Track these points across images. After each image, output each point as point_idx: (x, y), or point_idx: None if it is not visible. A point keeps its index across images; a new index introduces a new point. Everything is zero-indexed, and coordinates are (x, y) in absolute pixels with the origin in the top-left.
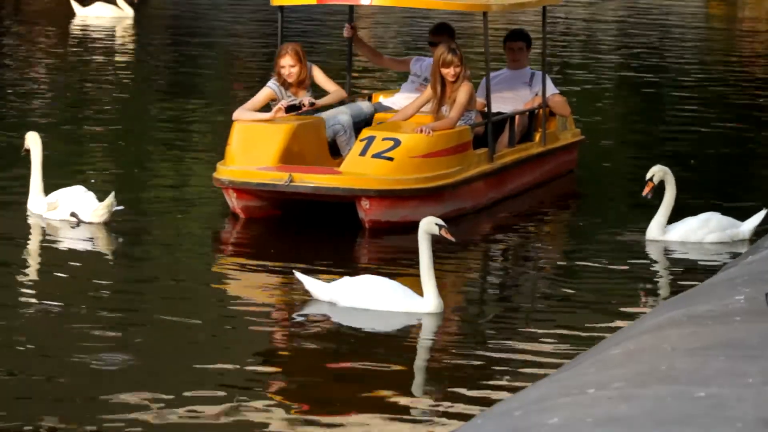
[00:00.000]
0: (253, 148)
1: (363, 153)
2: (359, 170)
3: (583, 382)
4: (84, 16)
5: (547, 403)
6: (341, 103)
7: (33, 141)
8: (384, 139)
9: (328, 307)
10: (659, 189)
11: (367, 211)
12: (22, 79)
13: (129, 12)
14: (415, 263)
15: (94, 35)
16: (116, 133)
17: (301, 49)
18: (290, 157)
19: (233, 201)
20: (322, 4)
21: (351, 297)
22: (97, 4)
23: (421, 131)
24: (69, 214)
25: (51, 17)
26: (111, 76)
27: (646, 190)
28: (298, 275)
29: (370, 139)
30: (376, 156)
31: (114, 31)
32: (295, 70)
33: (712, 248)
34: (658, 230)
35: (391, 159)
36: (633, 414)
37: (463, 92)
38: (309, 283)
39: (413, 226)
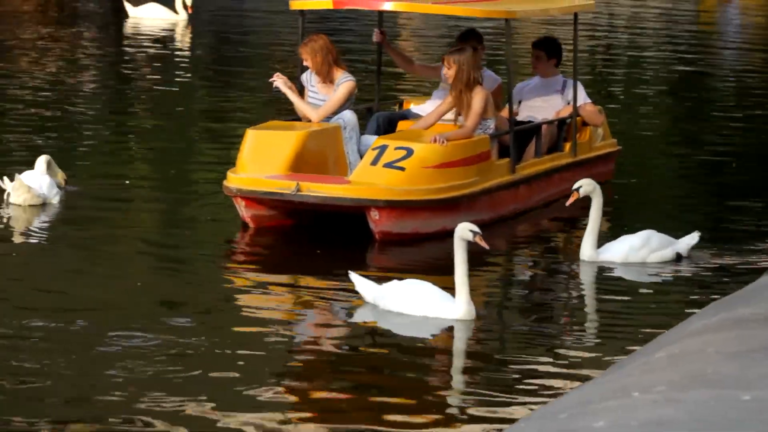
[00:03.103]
0: (264, 156)
1: (374, 162)
2: (369, 180)
3: (627, 385)
4: (136, 17)
5: (592, 406)
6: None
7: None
8: (396, 148)
9: (345, 314)
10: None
11: (376, 223)
12: (73, 79)
13: (183, 15)
14: (427, 273)
15: (146, 36)
16: (159, 135)
17: (323, 45)
18: (303, 165)
19: (242, 210)
20: (339, 8)
21: (388, 300)
22: (149, 4)
23: (435, 141)
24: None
25: (103, 18)
26: (160, 79)
27: (570, 200)
28: (352, 275)
29: (383, 148)
30: (388, 166)
31: (165, 32)
32: (307, 63)
33: (655, 267)
34: (590, 250)
35: (402, 169)
36: (677, 418)
37: (477, 100)
38: (359, 282)
39: (425, 238)
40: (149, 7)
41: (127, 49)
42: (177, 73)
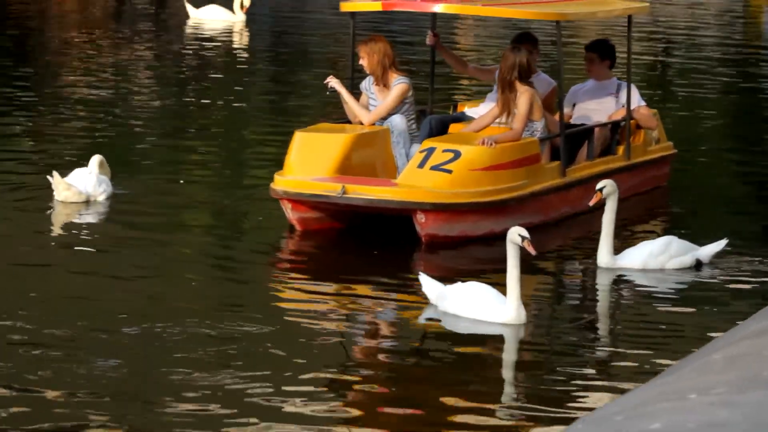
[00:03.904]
0: (311, 159)
1: (421, 165)
2: (416, 182)
3: (684, 387)
4: (197, 18)
5: (648, 408)
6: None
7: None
8: (444, 150)
9: (393, 316)
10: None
11: (423, 225)
12: (131, 79)
13: (240, 16)
14: (474, 277)
15: (207, 37)
16: (217, 136)
17: (381, 47)
18: (351, 168)
19: (289, 212)
20: (388, 10)
21: (446, 302)
22: (210, 6)
23: (483, 143)
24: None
25: (165, 19)
26: (217, 79)
27: (593, 201)
28: (421, 276)
29: (430, 151)
30: (435, 168)
31: (223, 33)
32: (363, 62)
33: (675, 274)
34: (608, 257)
35: (449, 171)
36: (734, 420)
37: (521, 102)
38: (426, 283)
39: (473, 241)
40: (209, 9)
41: (186, 49)
42: (234, 73)
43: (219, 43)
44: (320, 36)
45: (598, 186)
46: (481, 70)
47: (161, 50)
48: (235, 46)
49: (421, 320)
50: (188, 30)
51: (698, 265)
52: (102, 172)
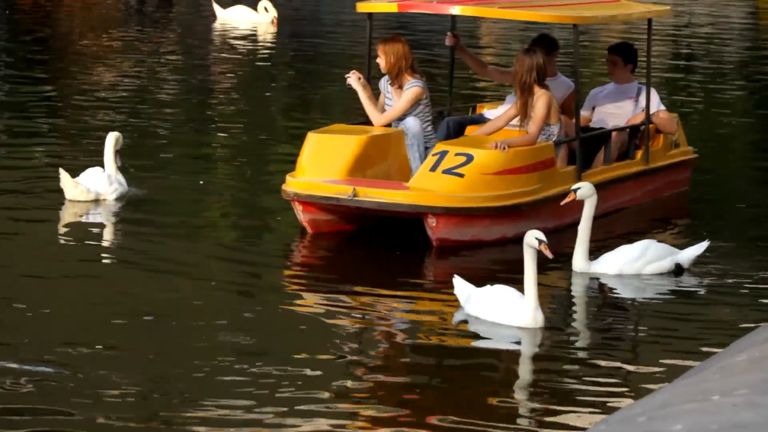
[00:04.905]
0: (323, 160)
1: (434, 168)
2: (428, 186)
3: (707, 388)
4: (225, 19)
5: (671, 409)
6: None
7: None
8: (457, 154)
9: (406, 319)
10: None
11: (434, 229)
12: (156, 80)
13: (267, 18)
14: (484, 281)
15: (233, 38)
16: (240, 136)
17: (399, 48)
18: (365, 170)
19: (300, 214)
20: (404, 12)
21: (470, 305)
22: (237, 6)
23: (496, 147)
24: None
25: (193, 20)
26: (241, 80)
27: (566, 200)
28: (455, 278)
29: (443, 154)
30: (447, 172)
31: (250, 34)
32: (379, 61)
33: (653, 279)
34: (583, 262)
35: (461, 175)
36: (758, 421)
37: (539, 105)
38: (458, 285)
39: (486, 246)
40: (236, 9)
41: (212, 50)
42: (258, 74)
43: (245, 44)
44: (348, 37)
45: (573, 186)
46: (500, 71)
47: (188, 51)
48: (260, 46)
49: (441, 323)
50: (215, 30)
51: (678, 269)
52: (117, 151)
